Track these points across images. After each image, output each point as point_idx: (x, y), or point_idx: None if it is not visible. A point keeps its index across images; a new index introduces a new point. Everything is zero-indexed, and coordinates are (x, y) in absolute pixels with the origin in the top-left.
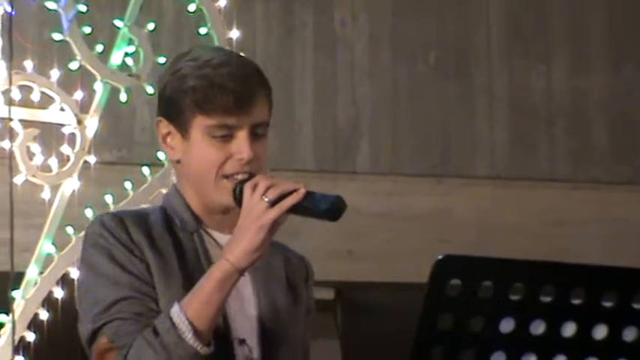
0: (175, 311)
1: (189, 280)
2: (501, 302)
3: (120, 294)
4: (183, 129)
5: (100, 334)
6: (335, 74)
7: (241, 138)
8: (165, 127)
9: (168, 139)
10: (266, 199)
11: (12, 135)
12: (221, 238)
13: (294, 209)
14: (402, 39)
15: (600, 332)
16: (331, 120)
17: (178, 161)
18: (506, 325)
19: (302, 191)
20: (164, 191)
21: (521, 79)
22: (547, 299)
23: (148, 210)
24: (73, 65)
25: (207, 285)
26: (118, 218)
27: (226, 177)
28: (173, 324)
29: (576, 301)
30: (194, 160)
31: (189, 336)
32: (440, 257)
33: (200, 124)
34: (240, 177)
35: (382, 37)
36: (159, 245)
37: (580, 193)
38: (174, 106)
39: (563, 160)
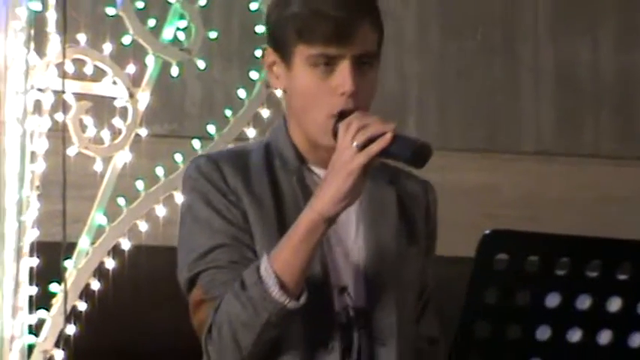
0: (263, 263)
1: (285, 226)
2: (547, 277)
3: (216, 241)
4: (286, 58)
5: (194, 284)
6: (384, 51)
7: (343, 69)
8: (270, 55)
9: (274, 68)
10: (354, 144)
11: (65, 107)
12: (324, 174)
13: (382, 154)
14: (449, 16)
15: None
16: (379, 96)
17: (285, 91)
18: (552, 300)
19: (388, 136)
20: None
21: (567, 54)
22: (593, 274)
23: (252, 147)
24: (126, 39)
25: (294, 235)
26: (213, 161)
27: (329, 115)
28: (260, 277)
29: (622, 277)
30: (296, 91)
31: (275, 290)
32: (486, 232)
33: (301, 53)
34: (340, 110)
35: (430, 14)
36: (256, 189)
37: (626, 169)
38: (277, 34)
39: (609, 137)
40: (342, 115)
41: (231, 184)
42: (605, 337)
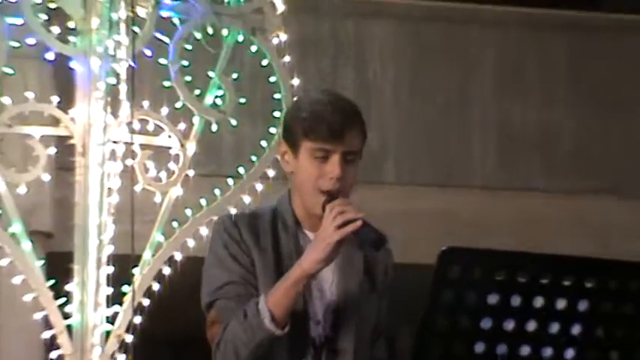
0: (261, 301)
1: (281, 273)
2: (489, 282)
3: (229, 278)
4: (294, 149)
5: (211, 308)
6: (372, 108)
7: (334, 161)
8: (283, 146)
9: (286, 156)
10: (334, 224)
11: (133, 155)
12: (313, 237)
13: (353, 234)
14: (418, 83)
15: (561, 304)
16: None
17: (292, 172)
18: (492, 299)
19: (359, 223)
20: (244, 196)
21: (506, 112)
22: (522, 279)
23: (263, 211)
24: (178, 104)
25: (285, 283)
26: (234, 222)
27: (321, 192)
28: (257, 310)
29: (544, 281)
30: (299, 174)
31: (267, 321)
32: (444, 248)
33: (306, 147)
34: (329, 189)
35: (403, 82)
36: (262, 244)
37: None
38: (290, 131)
39: (538, 174)
40: (329, 194)
41: (245, 239)
42: (531, 325)
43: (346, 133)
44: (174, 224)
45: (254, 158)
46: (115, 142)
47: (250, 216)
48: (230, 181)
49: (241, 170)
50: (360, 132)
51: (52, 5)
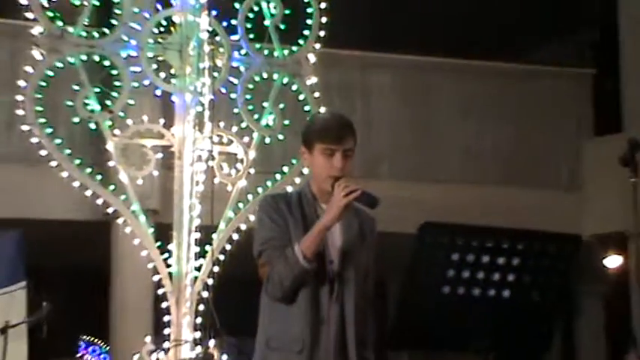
0: (296, 246)
1: (306, 230)
2: (452, 245)
3: (271, 234)
4: (311, 150)
5: (260, 256)
6: (369, 130)
7: (338, 156)
8: (303, 149)
9: (305, 155)
10: (342, 194)
11: (212, 159)
12: (326, 206)
13: (355, 200)
14: (406, 104)
15: (500, 260)
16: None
17: (309, 167)
18: (454, 256)
19: (359, 192)
20: (287, 187)
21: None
22: (474, 243)
23: (292, 192)
24: (243, 125)
25: (312, 233)
26: (273, 197)
27: (330, 176)
28: (294, 253)
29: (489, 244)
30: (315, 166)
31: (301, 259)
32: (422, 223)
33: (319, 147)
34: (335, 175)
35: (391, 112)
36: (293, 212)
37: None
38: (308, 139)
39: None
40: (335, 179)
41: (281, 208)
42: (480, 275)
43: (344, 137)
44: (240, 205)
45: (294, 161)
46: (200, 150)
47: (284, 195)
48: (278, 176)
49: (285, 169)
50: (353, 137)
51: (160, 58)
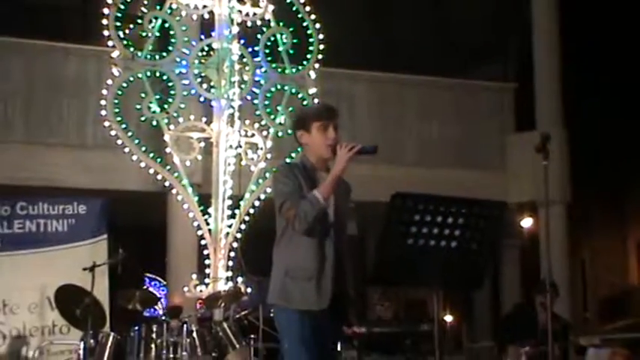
0: (315, 191)
1: (312, 188)
2: (415, 208)
3: (291, 189)
4: (307, 129)
5: (283, 205)
6: (355, 125)
7: (331, 130)
8: (299, 132)
9: (303, 137)
10: (346, 149)
11: (240, 146)
12: (323, 176)
13: (358, 153)
14: (376, 114)
15: (449, 220)
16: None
17: (306, 144)
18: (416, 217)
19: (359, 146)
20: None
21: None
22: (431, 207)
23: (296, 161)
24: (262, 122)
25: (326, 182)
26: (286, 165)
27: (328, 146)
28: (314, 195)
29: (442, 208)
30: (314, 141)
31: (320, 199)
32: (394, 193)
33: (315, 124)
34: (331, 144)
35: (371, 112)
36: (302, 175)
37: None
38: (304, 120)
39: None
40: (331, 146)
41: (294, 172)
42: (435, 231)
43: (333, 114)
44: (260, 181)
45: (300, 149)
46: (231, 140)
47: (294, 164)
48: (287, 159)
49: (293, 155)
50: (337, 115)
51: (203, 74)
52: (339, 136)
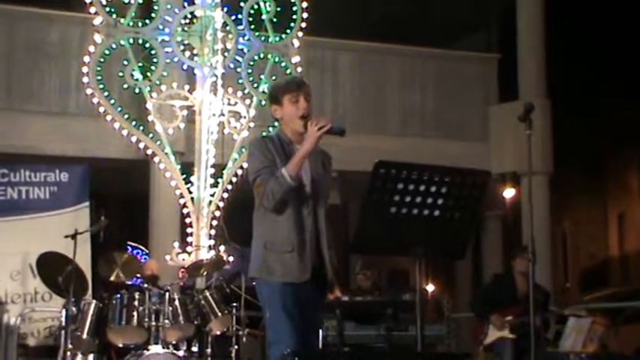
0: (283, 169)
1: (286, 162)
2: (399, 177)
3: (263, 165)
4: (279, 103)
5: (256, 180)
6: (337, 96)
7: (302, 101)
8: (273, 106)
9: (277, 111)
10: (316, 128)
11: (223, 115)
12: (299, 148)
13: (327, 132)
14: (361, 81)
15: (433, 188)
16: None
17: (281, 118)
18: (400, 185)
19: (329, 125)
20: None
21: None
22: (414, 176)
23: (272, 135)
24: (246, 91)
25: (294, 159)
26: (262, 138)
27: (300, 118)
28: (282, 174)
29: (425, 177)
30: (287, 114)
31: (287, 177)
32: (376, 161)
33: (287, 97)
34: (303, 115)
35: (354, 81)
36: (276, 148)
37: None
38: (276, 94)
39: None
40: (303, 118)
41: (268, 146)
42: (417, 200)
43: (302, 85)
44: (243, 150)
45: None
46: (214, 108)
47: (270, 137)
48: (270, 129)
49: (276, 124)
50: (307, 86)
51: (186, 42)
52: (310, 107)
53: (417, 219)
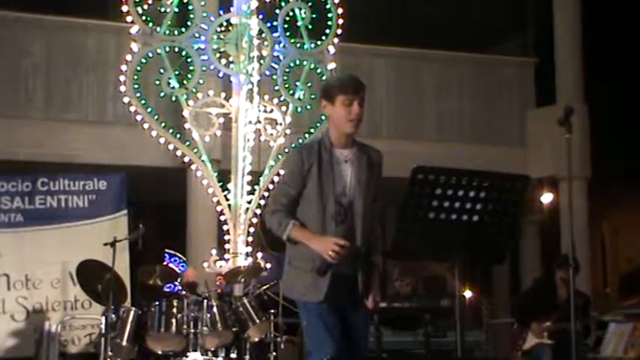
0: (291, 225)
1: (320, 177)
2: (436, 182)
3: (287, 183)
4: (332, 101)
5: (271, 199)
6: (374, 104)
7: (355, 105)
8: (323, 102)
9: (327, 108)
10: (330, 251)
11: (259, 122)
12: (341, 152)
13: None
14: (396, 91)
15: (472, 194)
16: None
17: (331, 116)
18: (437, 191)
19: (338, 260)
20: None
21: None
22: (452, 181)
23: (316, 138)
24: (282, 98)
25: (304, 236)
26: (299, 149)
27: (349, 121)
28: (287, 227)
29: (463, 182)
30: (336, 114)
31: (285, 235)
32: (415, 166)
33: (340, 98)
34: (352, 119)
35: (390, 89)
36: (313, 154)
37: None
38: (329, 91)
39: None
40: (353, 122)
41: (303, 159)
42: (457, 205)
43: (359, 90)
44: (279, 156)
45: (319, 124)
46: (250, 116)
47: (308, 145)
48: (307, 135)
49: (312, 130)
50: (364, 90)
51: (222, 49)
52: (362, 112)
53: (456, 224)
